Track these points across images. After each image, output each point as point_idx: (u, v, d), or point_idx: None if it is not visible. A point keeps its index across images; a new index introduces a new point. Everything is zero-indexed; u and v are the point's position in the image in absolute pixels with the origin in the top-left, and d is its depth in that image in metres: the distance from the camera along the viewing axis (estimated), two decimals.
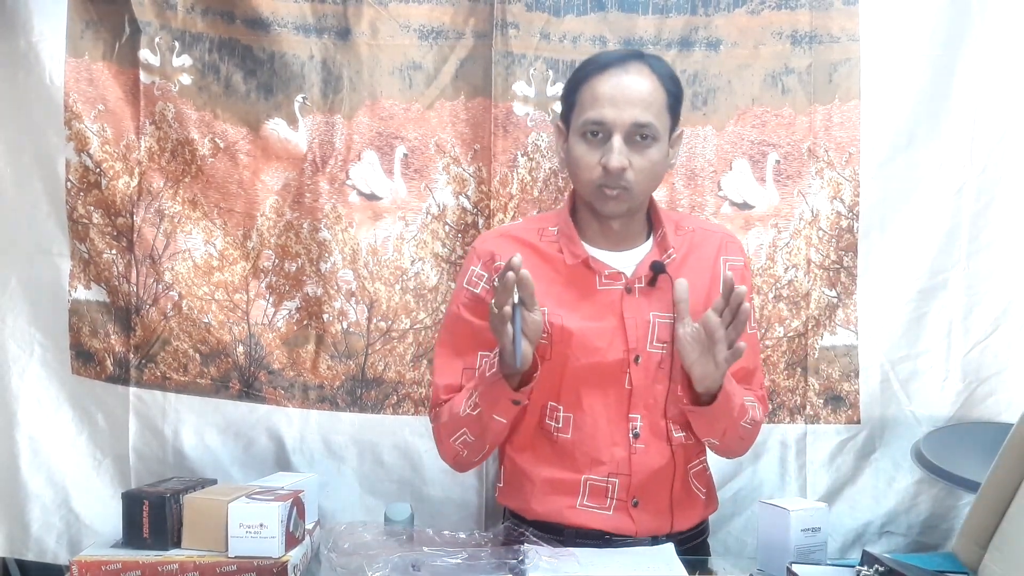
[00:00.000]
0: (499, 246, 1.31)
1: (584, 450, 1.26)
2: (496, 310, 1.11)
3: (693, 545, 1.33)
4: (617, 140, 1.21)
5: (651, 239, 1.32)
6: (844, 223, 1.61)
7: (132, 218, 1.65)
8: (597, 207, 1.26)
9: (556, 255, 1.29)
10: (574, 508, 1.27)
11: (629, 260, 1.30)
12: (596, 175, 1.23)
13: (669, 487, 1.28)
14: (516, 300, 1.10)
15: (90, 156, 1.64)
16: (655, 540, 1.28)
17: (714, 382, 1.19)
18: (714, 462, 1.62)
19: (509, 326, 1.11)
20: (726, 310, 1.14)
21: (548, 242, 1.31)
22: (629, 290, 1.27)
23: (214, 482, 1.44)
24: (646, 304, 1.27)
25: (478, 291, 1.29)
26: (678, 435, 1.27)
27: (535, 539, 1.24)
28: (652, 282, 1.27)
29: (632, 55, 1.28)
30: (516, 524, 1.33)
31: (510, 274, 1.09)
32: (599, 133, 1.22)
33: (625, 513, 1.27)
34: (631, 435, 1.25)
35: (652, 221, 1.34)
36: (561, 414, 1.27)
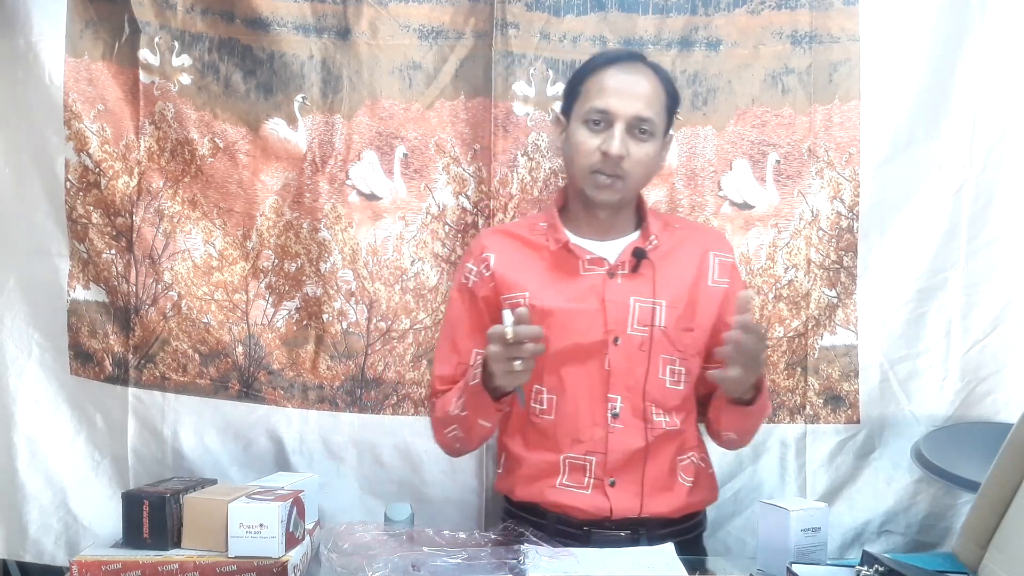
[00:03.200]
0: (490, 240, 1.40)
1: (565, 430, 1.31)
2: (519, 368, 1.15)
3: (687, 539, 1.35)
4: (619, 129, 1.28)
5: (637, 231, 1.39)
6: (844, 223, 1.61)
7: (131, 218, 1.65)
8: (590, 193, 1.32)
9: (542, 243, 1.37)
10: (554, 487, 1.32)
11: (613, 248, 1.36)
12: (594, 160, 1.30)
13: (642, 469, 1.31)
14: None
15: (89, 156, 1.63)
16: (633, 530, 1.31)
17: (732, 391, 1.25)
18: (715, 462, 1.62)
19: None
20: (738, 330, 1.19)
21: (537, 234, 1.39)
22: (611, 275, 1.33)
23: (214, 482, 1.44)
24: (628, 288, 1.33)
25: (469, 284, 1.38)
26: (659, 419, 1.31)
27: (535, 539, 1.24)
28: (635, 268, 1.33)
29: (637, 56, 1.37)
30: (508, 509, 1.39)
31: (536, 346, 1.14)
32: (601, 122, 1.30)
33: (602, 492, 1.31)
34: (610, 415, 1.30)
35: (640, 216, 1.40)
36: (545, 396, 1.32)
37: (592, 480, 1.31)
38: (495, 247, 1.38)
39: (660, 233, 1.37)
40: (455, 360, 1.37)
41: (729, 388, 1.25)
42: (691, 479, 1.36)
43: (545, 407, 1.32)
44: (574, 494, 1.31)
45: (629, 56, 1.36)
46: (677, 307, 1.33)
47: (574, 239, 1.35)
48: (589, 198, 1.33)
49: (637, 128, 1.29)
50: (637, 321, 1.31)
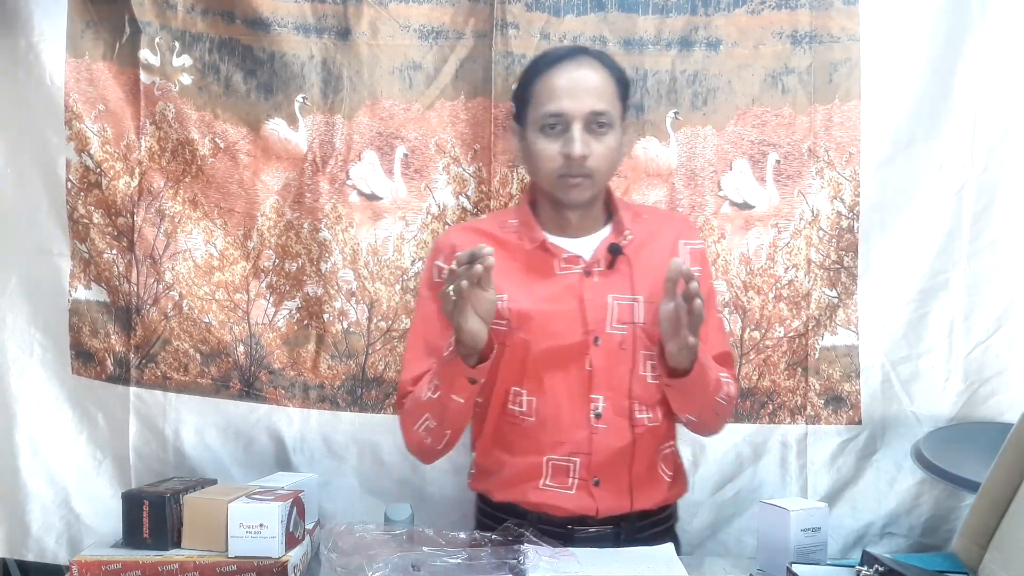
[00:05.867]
0: (460, 238, 1.35)
1: (547, 432, 1.29)
2: (453, 295, 1.13)
3: (659, 531, 1.35)
4: (576, 129, 1.26)
5: (609, 225, 1.36)
6: (844, 223, 1.61)
7: (132, 218, 1.65)
8: (560, 196, 1.30)
9: (516, 242, 1.34)
10: (537, 488, 1.30)
11: (588, 245, 1.34)
12: (558, 165, 1.27)
13: (629, 466, 1.30)
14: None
15: (90, 156, 1.64)
16: (616, 525, 1.30)
17: (681, 361, 1.21)
18: (716, 462, 1.64)
19: (464, 306, 1.14)
20: (682, 301, 1.15)
21: (508, 232, 1.35)
22: (588, 273, 1.31)
23: (214, 482, 1.44)
24: (605, 286, 1.30)
25: (442, 283, 1.32)
26: (642, 415, 1.29)
27: (535, 539, 1.24)
28: (611, 264, 1.31)
29: (579, 50, 1.33)
30: (483, 508, 1.37)
31: (477, 267, 1.10)
32: (557, 125, 1.27)
33: (586, 492, 1.30)
34: (592, 415, 1.28)
35: (609, 209, 1.37)
36: (524, 398, 1.30)
37: (576, 480, 1.30)
38: (467, 246, 1.28)
39: (631, 225, 1.35)
40: (429, 362, 1.30)
41: (674, 359, 1.21)
42: (671, 472, 1.36)
43: (525, 409, 1.30)
44: (558, 494, 1.30)
45: (571, 52, 1.31)
46: (655, 301, 1.28)
47: (550, 238, 1.33)
48: (559, 200, 1.31)
49: (594, 123, 1.26)
50: (616, 319, 1.29)
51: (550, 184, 1.30)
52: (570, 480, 1.29)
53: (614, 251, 1.30)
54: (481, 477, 1.38)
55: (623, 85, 1.32)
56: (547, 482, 1.30)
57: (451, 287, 1.13)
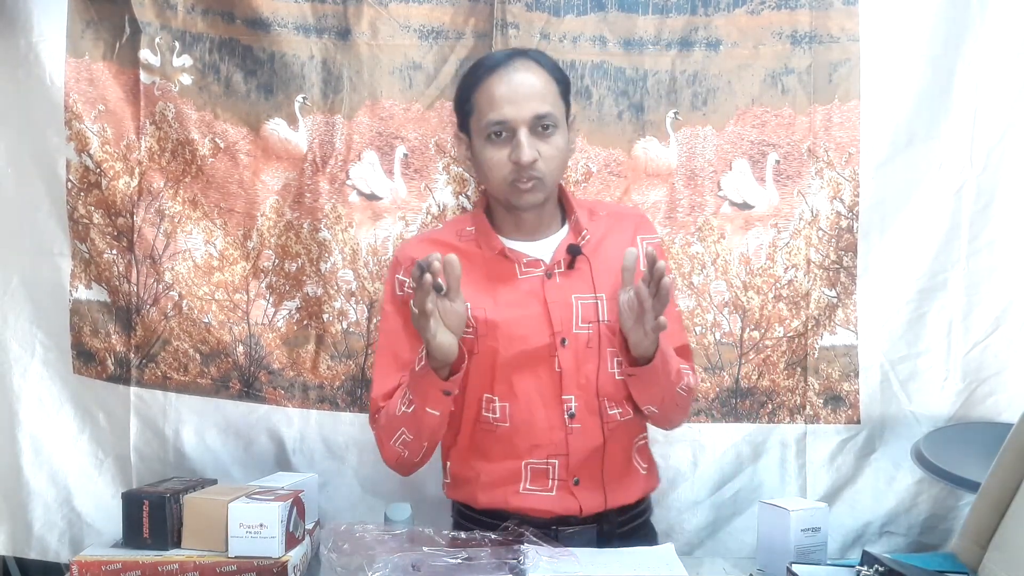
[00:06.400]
0: (419, 251, 1.33)
1: (523, 436, 1.29)
2: (416, 309, 1.14)
3: (635, 525, 1.36)
4: (523, 134, 1.25)
5: (566, 226, 1.37)
6: (844, 223, 1.61)
7: (132, 218, 1.65)
8: (514, 202, 1.30)
9: (475, 251, 1.34)
10: (518, 493, 1.31)
11: (546, 247, 1.34)
12: (508, 172, 1.27)
13: (602, 463, 1.31)
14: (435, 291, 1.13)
15: (90, 156, 1.64)
16: (598, 521, 1.31)
17: (646, 349, 1.22)
18: (715, 462, 1.64)
19: (431, 321, 1.15)
20: (650, 283, 1.16)
21: (466, 240, 1.35)
22: (549, 275, 1.32)
23: (214, 482, 1.44)
24: (568, 287, 1.31)
25: (404, 296, 1.33)
26: (613, 412, 1.30)
27: (535, 539, 1.25)
28: (571, 265, 1.31)
29: (516, 53, 1.32)
30: (463, 512, 1.37)
31: (427, 276, 1.11)
32: (503, 132, 1.27)
33: (568, 492, 1.30)
34: (566, 416, 1.28)
35: (564, 208, 1.38)
36: (497, 404, 1.30)
37: (556, 482, 1.30)
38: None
39: (588, 224, 1.35)
40: (399, 376, 1.30)
41: (638, 346, 1.22)
42: (646, 465, 1.38)
43: (499, 416, 1.30)
44: (540, 497, 1.30)
45: (507, 57, 1.30)
46: (616, 298, 1.28)
47: (508, 243, 1.33)
48: (514, 205, 1.31)
49: (539, 126, 1.26)
50: (581, 319, 1.30)
51: (502, 191, 1.29)
52: (550, 482, 1.30)
53: (573, 252, 1.31)
54: (458, 486, 1.37)
55: (563, 84, 1.32)
56: (527, 486, 1.30)
57: (413, 303, 1.14)
